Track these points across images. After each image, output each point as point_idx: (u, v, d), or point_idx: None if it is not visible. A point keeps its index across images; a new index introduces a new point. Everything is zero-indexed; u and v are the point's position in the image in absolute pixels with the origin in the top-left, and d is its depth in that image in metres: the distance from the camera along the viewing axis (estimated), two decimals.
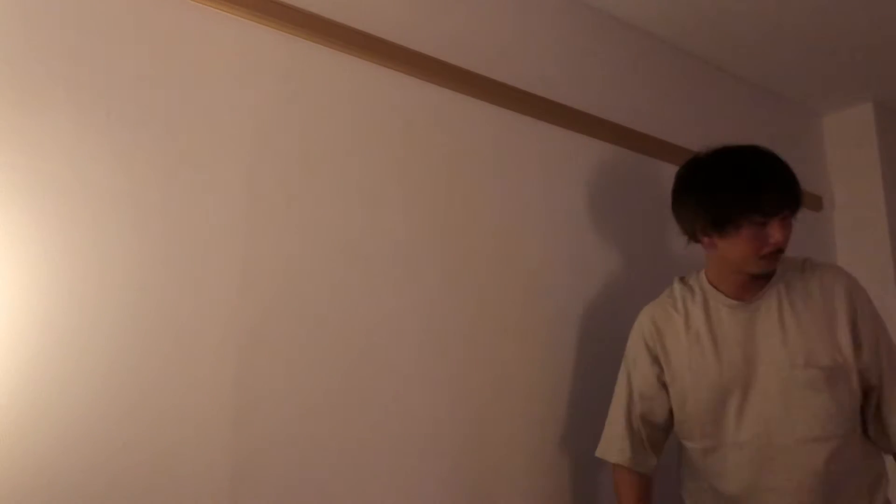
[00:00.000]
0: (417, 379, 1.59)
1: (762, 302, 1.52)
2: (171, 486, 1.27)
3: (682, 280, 1.66)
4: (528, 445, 1.73)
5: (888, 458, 1.55)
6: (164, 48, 1.39)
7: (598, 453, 1.65)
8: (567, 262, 1.90)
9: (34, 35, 1.26)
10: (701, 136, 2.29)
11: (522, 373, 1.76)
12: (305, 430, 1.42)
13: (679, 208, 1.58)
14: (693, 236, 1.55)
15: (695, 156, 1.58)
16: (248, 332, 1.39)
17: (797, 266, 1.57)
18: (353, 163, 1.58)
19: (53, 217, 1.23)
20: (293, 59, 1.54)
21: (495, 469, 1.67)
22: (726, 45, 2.33)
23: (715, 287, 1.57)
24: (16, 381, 1.16)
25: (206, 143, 1.40)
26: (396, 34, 1.68)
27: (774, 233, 1.43)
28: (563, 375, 1.83)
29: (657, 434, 1.63)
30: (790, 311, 1.50)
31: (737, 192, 1.44)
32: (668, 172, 2.19)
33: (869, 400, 1.50)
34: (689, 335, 1.56)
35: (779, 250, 1.46)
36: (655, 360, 1.60)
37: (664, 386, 1.60)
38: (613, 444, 1.63)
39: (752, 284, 1.52)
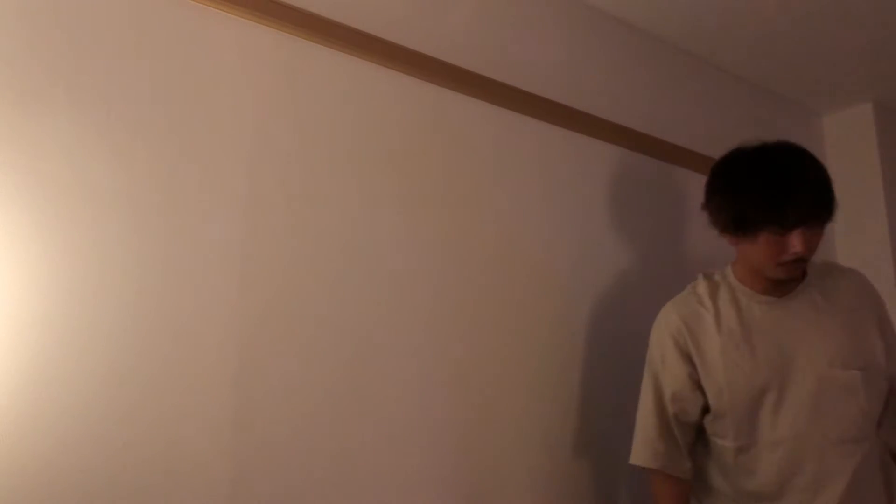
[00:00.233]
0: (418, 379, 1.58)
1: (795, 299, 1.52)
2: (171, 487, 1.27)
3: (707, 276, 1.63)
4: (529, 447, 1.73)
5: None
6: (164, 48, 1.39)
7: (633, 460, 1.61)
8: (568, 263, 1.90)
9: (34, 35, 1.26)
10: (701, 136, 2.30)
11: (523, 374, 1.75)
12: (305, 430, 1.42)
13: (707, 202, 1.57)
14: (719, 231, 1.56)
15: (733, 150, 1.55)
16: (248, 332, 1.39)
17: (822, 268, 1.57)
18: (352, 163, 1.58)
19: (53, 217, 1.23)
20: (293, 59, 1.54)
21: (496, 470, 1.67)
22: (726, 45, 2.33)
23: (743, 283, 1.55)
24: (16, 381, 1.16)
25: (206, 142, 1.40)
26: (396, 34, 1.68)
27: (795, 242, 1.41)
28: (564, 376, 1.83)
29: (690, 435, 1.59)
30: (825, 310, 1.51)
31: (758, 201, 1.42)
32: (668, 172, 2.20)
33: (888, 402, 1.52)
34: (722, 332, 1.53)
35: (800, 259, 1.43)
36: (687, 359, 1.56)
37: (697, 385, 1.56)
38: (647, 449, 1.59)
39: (781, 283, 1.51)
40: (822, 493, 1.43)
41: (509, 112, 1.86)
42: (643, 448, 1.59)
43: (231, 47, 1.46)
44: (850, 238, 2.64)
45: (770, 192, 1.41)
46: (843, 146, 2.72)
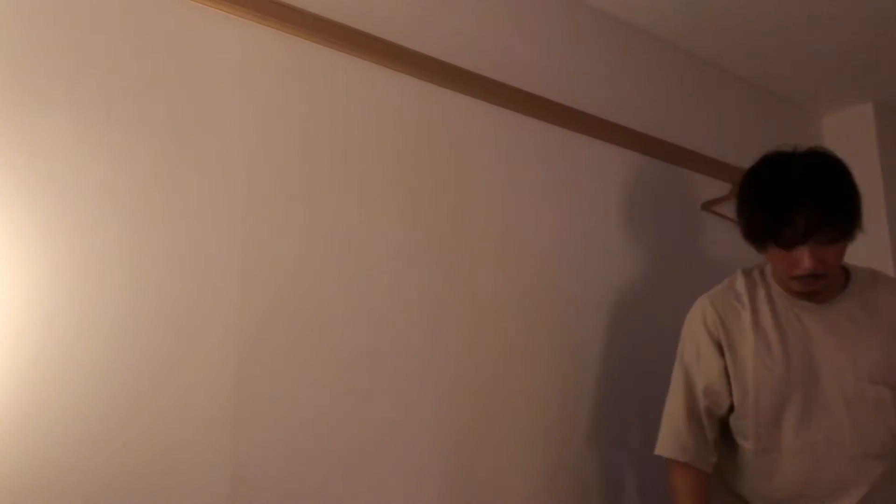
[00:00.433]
0: (418, 378, 1.58)
1: (833, 308, 1.48)
2: (172, 487, 1.27)
3: (746, 273, 1.59)
4: (530, 448, 1.73)
5: None
6: (165, 48, 1.39)
7: (659, 451, 1.58)
8: (570, 263, 1.90)
9: (34, 35, 1.26)
10: (701, 136, 2.31)
11: (524, 375, 1.75)
12: (305, 430, 1.42)
13: (736, 208, 1.54)
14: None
15: (761, 158, 1.51)
16: (248, 332, 1.39)
17: (868, 277, 1.53)
18: (352, 163, 1.58)
19: (53, 217, 1.23)
20: (293, 59, 1.54)
21: (498, 471, 1.67)
22: (726, 45, 2.33)
23: (780, 286, 1.52)
24: (16, 381, 1.16)
25: (206, 143, 1.40)
26: (397, 34, 1.68)
27: (801, 259, 1.37)
28: (569, 376, 1.83)
29: (717, 429, 1.57)
30: (862, 323, 1.47)
31: (760, 218, 1.40)
32: (668, 172, 2.20)
33: None
34: (757, 332, 1.50)
35: (813, 275, 1.39)
36: (720, 351, 1.53)
37: (729, 378, 1.53)
38: (676, 442, 1.55)
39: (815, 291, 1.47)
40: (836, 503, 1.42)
41: (510, 113, 1.86)
42: (672, 440, 1.56)
43: (231, 47, 1.46)
44: None
45: (771, 209, 1.38)
46: (843, 146, 2.70)
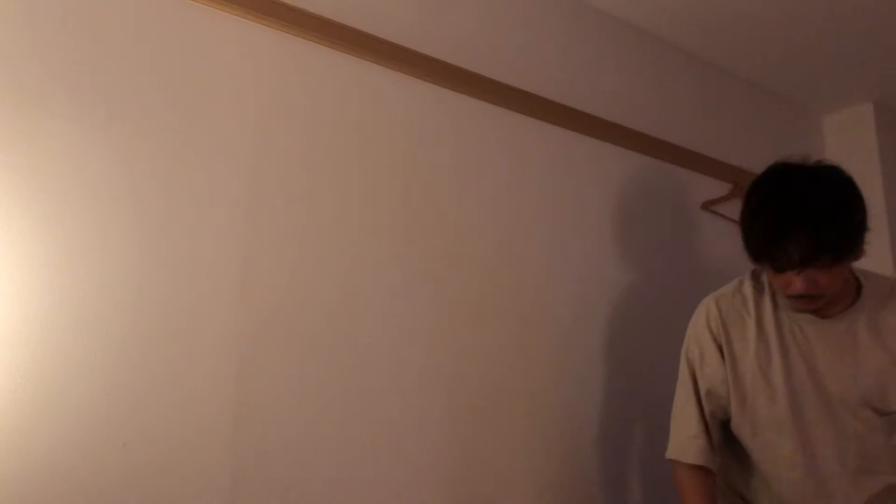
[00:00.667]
0: (419, 378, 1.58)
1: (839, 324, 1.43)
2: (172, 487, 1.27)
3: (755, 276, 1.55)
4: (531, 450, 1.73)
5: None
6: (164, 48, 1.39)
7: (673, 455, 1.54)
8: (571, 265, 1.90)
9: (34, 35, 1.26)
10: (701, 136, 2.31)
11: (524, 376, 1.75)
12: (306, 431, 1.42)
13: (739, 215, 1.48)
14: None
15: (766, 170, 1.44)
16: (249, 333, 1.39)
17: (884, 291, 1.46)
18: (353, 163, 1.58)
19: (54, 217, 1.23)
20: (293, 59, 1.54)
21: (497, 471, 1.67)
22: (727, 45, 2.33)
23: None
24: (16, 381, 1.16)
25: (206, 142, 1.40)
26: (397, 35, 1.68)
27: (792, 282, 1.34)
28: (565, 379, 1.82)
29: (722, 431, 1.55)
30: (867, 341, 1.42)
31: (754, 240, 1.36)
32: (668, 172, 2.20)
33: None
34: (760, 341, 1.47)
35: (807, 296, 1.35)
36: (723, 355, 1.51)
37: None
38: (691, 446, 1.52)
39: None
40: None
41: (512, 113, 1.86)
42: (687, 444, 1.52)
43: (231, 47, 1.46)
44: None
45: (766, 234, 1.34)
46: (843, 146, 2.72)
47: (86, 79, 1.30)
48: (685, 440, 1.53)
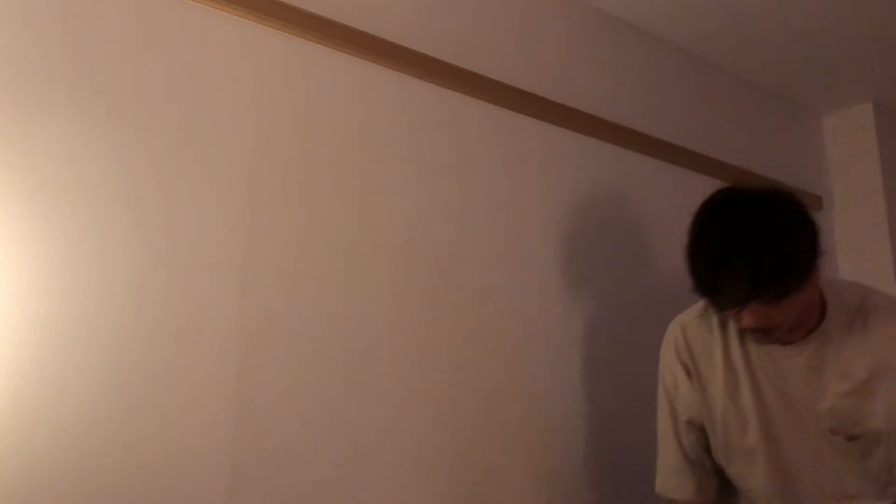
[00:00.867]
0: (419, 378, 1.58)
1: (804, 348, 1.36)
2: (172, 487, 1.27)
3: None
4: (529, 449, 1.73)
5: None
6: (164, 48, 1.39)
7: (658, 489, 1.51)
8: (570, 264, 1.89)
9: (34, 35, 1.26)
10: (701, 136, 2.31)
11: (524, 374, 1.75)
12: (306, 430, 1.42)
13: None
14: None
15: (709, 199, 1.38)
16: (249, 333, 1.39)
17: (853, 307, 1.37)
18: (353, 163, 1.58)
19: (54, 217, 1.23)
20: (293, 59, 1.54)
21: (496, 472, 1.67)
22: (727, 45, 2.33)
23: None
24: (16, 381, 1.16)
25: (206, 143, 1.40)
26: (397, 34, 1.68)
27: (740, 318, 1.28)
28: (564, 379, 1.82)
29: (711, 458, 1.49)
30: (833, 364, 1.35)
31: (696, 278, 1.27)
32: (668, 172, 2.20)
33: None
34: (727, 366, 1.42)
35: (763, 330, 1.29)
36: (693, 381, 1.47)
37: None
38: (670, 480, 1.48)
39: None
40: None
41: (510, 112, 1.86)
42: (669, 477, 1.49)
43: (231, 47, 1.46)
44: (850, 238, 2.64)
45: (702, 271, 1.26)
46: (843, 146, 2.72)
47: (86, 79, 1.30)
48: (668, 473, 1.50)
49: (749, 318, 1.26)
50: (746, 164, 2.39)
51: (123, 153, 1.31)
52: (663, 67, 2.28)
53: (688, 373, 1.47)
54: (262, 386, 1.39)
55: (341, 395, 1.47)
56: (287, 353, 1.43)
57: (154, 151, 1.34)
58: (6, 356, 1.16)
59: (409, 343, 1.59)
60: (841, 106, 2.72)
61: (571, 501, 1.78)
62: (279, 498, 1.37)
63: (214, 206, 1.39)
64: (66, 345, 1.21)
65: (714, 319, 1.46)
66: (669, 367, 1.51)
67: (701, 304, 1.48)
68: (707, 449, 1.48)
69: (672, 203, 2.19)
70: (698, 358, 1.46)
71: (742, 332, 1.41)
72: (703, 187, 2.25)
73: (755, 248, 1.22)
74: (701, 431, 1.47)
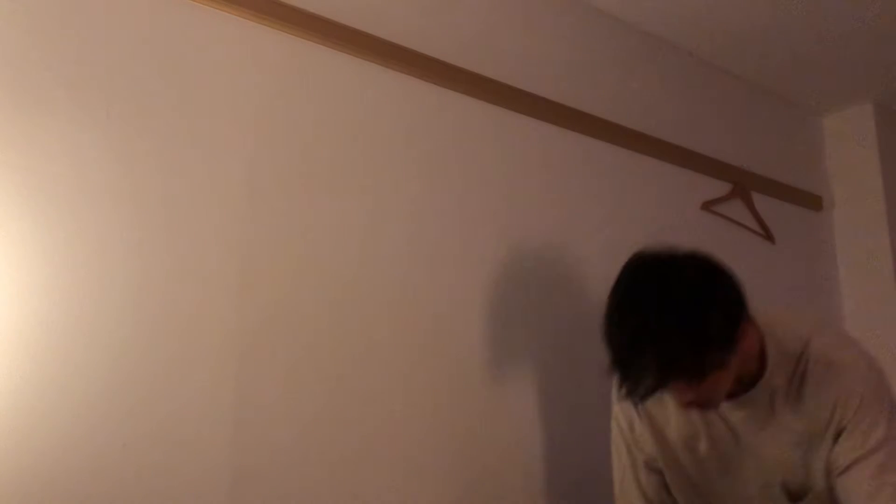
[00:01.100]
0: (420, 378, 1.58)
1: (747, 400, 1.30)
2: (172, 487, 1.27)
3: None
4: (528, 449, 1.73)
5: None
6: (164, 48, 1.39)
7: None
8: (569, 264, 1.89)
9: (35, 35, 1.26)
10: (701, 136, 2.30)
11: (522, 373, 1.75)
12: (306, 431, 1.42)
13: None
14: None
15: (622, 271, 1.27)
16: (249, 333, 1.39)
17: (794, 356, 1.29)
18: (353, 163, 1.58)
19: (54, 217, 1.23)
20: (293, 59, 1.54)
21: (496, 473, 1.67)
22: (726, 45, 2.33)
23: None
24: (16, 381, 1.16)
25: (206, 143, 1.40)
26: (397, 35, 1.68)
27: (674, 396, 1.24)
28: (568, 377, 1.82)
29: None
30: (778, 416, 1.30)
31: (611, 361, 1.20)
32: (668, 172, 2.20)
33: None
34: (680, 413, 1.36)
35: (696, 403, 1.23)
36: (644, 422, 1.41)
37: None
38: None
39: None
40: None
41: (510, 112, 1.85)
42: None
43: (231, 47, 1.46)
44: (850, 238, 2.64)
45: (614, 358, 1.19)
46: (843, 146, 2.72)
47: (86, 79, 1.30)
48: None
49: (676, 396, 1.23)
50: (746, 165, 2.40)
51: (123, 153, 1.31)
52: (663, 67, 2.28)
53: (639, 414, 1.42)
54: (262, 386, 1.39)
55: (341, 396, 1.47)
56: (287, 353, 1.42)
57: (154, 151, 1.34)
58: (6, 356, 1.16)
59: (410, 343, 1.59)
60: (841, 106, 2.71)
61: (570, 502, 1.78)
62: (279, 498, 1.37)
63: (214, 206, 1.39)
64: (66, 345, 1.21)
65: None
66: (622, 407, 1.44)
67: None
68: (666, 487, 1.44)
69: (672, 203, 2.19)
70: (651, 404, 1.37)
71: None
72: (704, 187, 2.27)
73: (664, 335, 1.15)
74: (660, 473, 1.43)
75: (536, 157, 1.89)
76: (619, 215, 2.04)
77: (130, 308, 1.28)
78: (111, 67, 1.33)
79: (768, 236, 2.40)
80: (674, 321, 1.15)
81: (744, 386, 1.29)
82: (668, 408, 1.38)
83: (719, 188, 2.30)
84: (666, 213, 2.16)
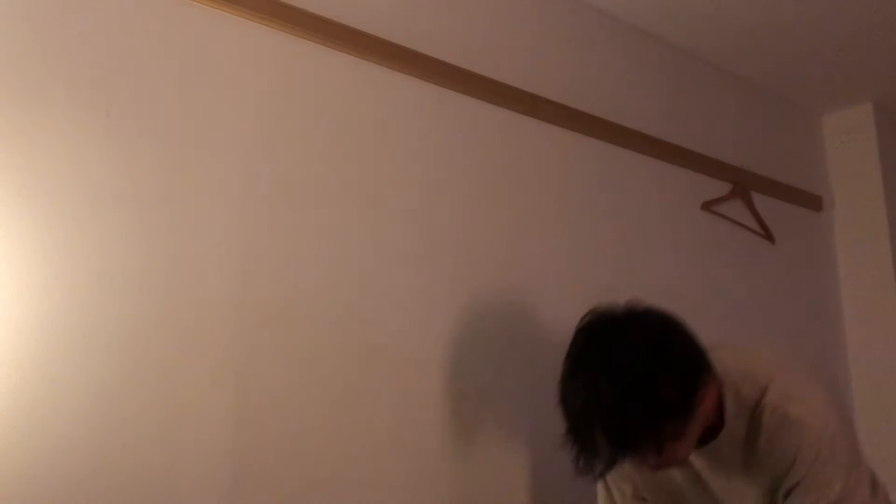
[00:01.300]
0: (420, 379, 1.58)
1: (708, 451, 1.27)
2: (172, 487, 1.27)
3: None
4: (528, 449, 1.73)
5: None
6: (165, 48, 1.39)
7: None
8: (569, 264, 1.89)
9: (35, 35, 1.26)
10: (701, 136, 2.30)
11: (523, 372, 1.75)
12: (305, 430, 1.42)
13: None
14: None
15: (574, 335, 1.24)
16: (249, 333, 1.39)
17: (750, 406, 1.25)
18: (353, 163, 1.58)
19: (54, 217, 1.23)
20: (293, 59, 1.54)
21: (494, 473, 1.67)
22: (726, 44, 2.33)
23: None
24: (16, 381, 1.16)
25: (206, 143, 1.40)
26: (397, 34, 1.68)
27: (634, 463, 1.21)
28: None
29: None
30: (741, 465, 1.27)
31: (565, 434, 1.17)
32: (668, 172, 2.20)
33: None
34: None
35: (659, 466, 1.20)
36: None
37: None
38: None
39: None
40: None
41: (511, 113, 1.86)
42: None
43: (231, 47, 1.46)
44: (850, 238, 2.64)
45: (569, 434, 1.16)
46: (843, 146, 2.72)
47: (86, 79, 1.30)
48: None
49: (636, 463, 1.20)
50: (747, 165, 2.40)
51: (123, 153, 1.31)
52: (663, 67, 2.28)
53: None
54: (262, 386, 1.39)
55: (341, 396, 1.47)
56: (287, 353, 1.42)
57: (154, 151, 1.34)
58: (6, 356, 1.16)
59: (410, 343, 1.59)
60: (841, 106, 2.71)
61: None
62: (279, 498, 1.37)
63: (214, 206, 1.39)
64: (66, 345, 1.21)
65: None
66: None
67: None
68: None
69: (672, 203, 2.19)
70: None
71: None
72: (704, 187, 2.27)
73: (617, 410, 1.11)
74: (643, 500, 1.41)
75: (536, 157, 1.89)
76: (618, 215, 2.04)
77: (130, 308, 1.28)
78: (111, 67, 1.33)
79: (768, 236, 2.40)
80: (627, 394, 1.11)
81: (707, 434, 1.25)
82: None
83: (719, 188, 2.30)
84: (666, 213, 2.16)
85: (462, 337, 1.67)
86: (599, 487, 1.45)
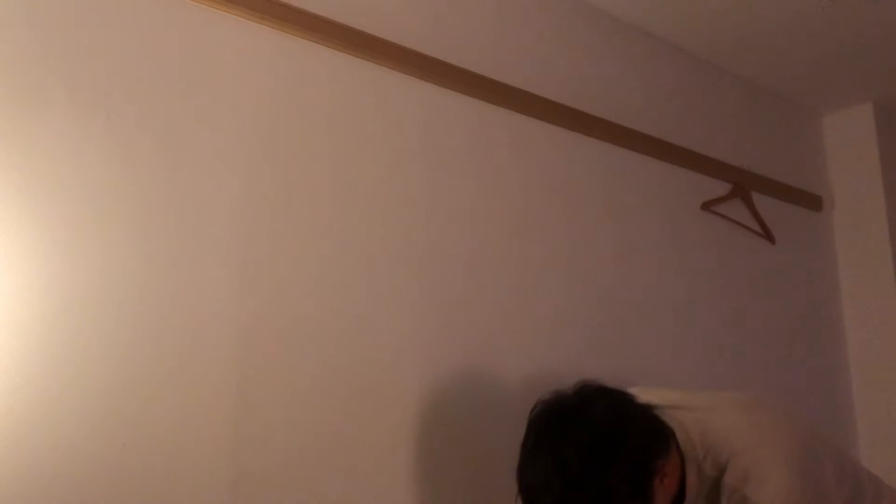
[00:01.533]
0: (421, 379, 1.58)
1: None
2: (172, 487, 1.27)
3: None
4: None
5: None
6: (165, 48, 1.39)
7: None
8: (569, 264, 1.89)
9: (35, 35, 1.26)
10: (701, 136, 2.31)
11: (522, 371, 1.75)
12: (306, 431, 1.42)
13: None
14: None
15: (526, 432, 1.25)
16: (249, 332, 1.39)
17: (710, 483, 1.26)
18: (353, 163, 1.58)
19: (54, 217, 1.23)
20: (293, 59, 1.54)
21: (491, 466, 1.67)
22: (726, 44, 2.33)
23: None
24: (16, 381, 1.16)
25: (206, 143, 1.40)
26: (397, 35, 1.68)
27: None
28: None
29: None
30: None
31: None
32: (668, 172, 2.20)
33: None
34: None
35: None
36: None
37: None
38: None
39: None
40: None
41: (512, 113, 1.86)
42: None
43: (231, 47, 1.46)
44: (850, 238, 2.64)
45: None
46: (843, 146, 2.72)
47: (86, 79, 1.30)
48: None
49: None
50: (747, 164, 2.40)
51: (123, 153, 1.31)
52: (663, 67, 2.28)
53: None
54: (262, 386, 1.39)
55: (342, 397, 1.47)
56: (287, 353, 1.42)
57: (154, 151, 1.34)
58: (6, 356, 1.16)
59: (410, 343, 1.58)
60: (841, 106, 2.72)
61: None
62: (279, 498, 1.37)
63: (214, 206, 1.39)
64: (67, 344, 1.21)
65: None
66: None
67: None
68: None
69: (672, 203, 2.19)
70: None
71: None
72: (704, 187, 2.27)
73: (570, 499, 1.14)
74: None
75: (537, 157, 1.89)
76: (618, 215, 2.04)
77: (130, 308, 1.28)
78: (112, 67, 1.33)
79: (768, 236, 2.40)
80: (578, 485, 1.13)
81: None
82: None
83: (719, 188, 2.30)
84: (666, 213, 2.16)
85: (467, 341, 1.67)
86: None
